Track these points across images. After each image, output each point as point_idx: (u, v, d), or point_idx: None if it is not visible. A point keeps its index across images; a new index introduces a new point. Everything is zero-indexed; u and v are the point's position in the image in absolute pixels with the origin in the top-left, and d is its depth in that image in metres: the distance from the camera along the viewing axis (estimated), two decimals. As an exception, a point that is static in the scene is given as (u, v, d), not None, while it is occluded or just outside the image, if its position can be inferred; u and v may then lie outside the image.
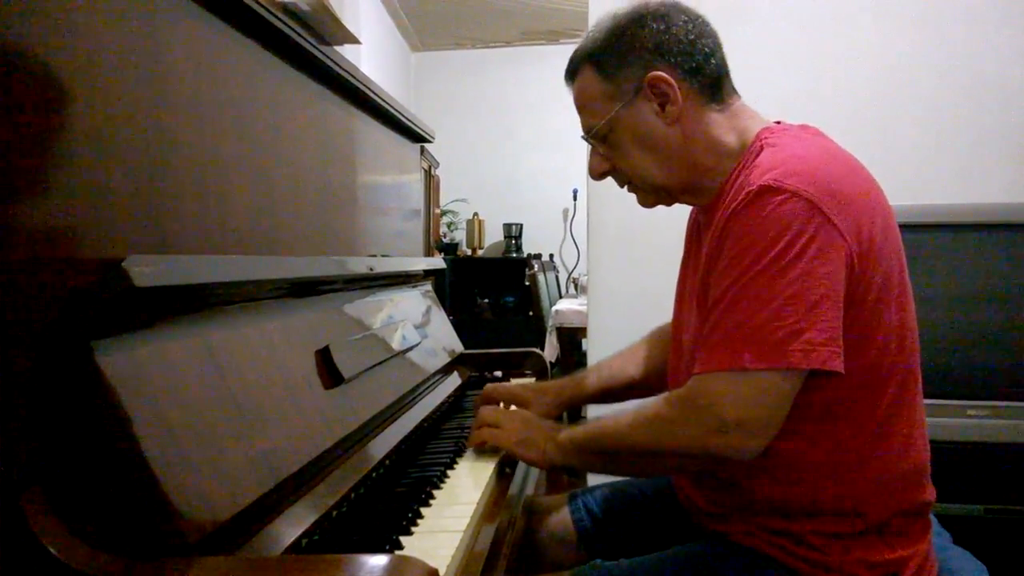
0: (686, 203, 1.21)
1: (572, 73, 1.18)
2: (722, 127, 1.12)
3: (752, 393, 0.95)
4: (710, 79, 1.11)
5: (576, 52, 1.17)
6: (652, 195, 1.18)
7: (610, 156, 1.16)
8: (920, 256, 1.74)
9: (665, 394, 1.06)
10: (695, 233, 1.24)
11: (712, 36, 1.13)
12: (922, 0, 2.23)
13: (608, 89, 1.12)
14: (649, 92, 1.10)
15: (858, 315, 0.99)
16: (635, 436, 1.06)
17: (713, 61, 1.12)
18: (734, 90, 1.15)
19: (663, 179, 1.14)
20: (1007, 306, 1.80)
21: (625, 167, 1.16)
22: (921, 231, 1.76)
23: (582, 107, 1.17)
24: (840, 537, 1.03)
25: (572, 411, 1.49)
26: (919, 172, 2.16)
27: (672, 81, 1.09)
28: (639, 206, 1.23)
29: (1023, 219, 1.79)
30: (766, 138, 1.08)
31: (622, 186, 1.21)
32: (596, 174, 1.20)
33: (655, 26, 1.10)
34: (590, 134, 1.16)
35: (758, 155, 1.05)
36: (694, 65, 1.10)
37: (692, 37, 1.10)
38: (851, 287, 0.98)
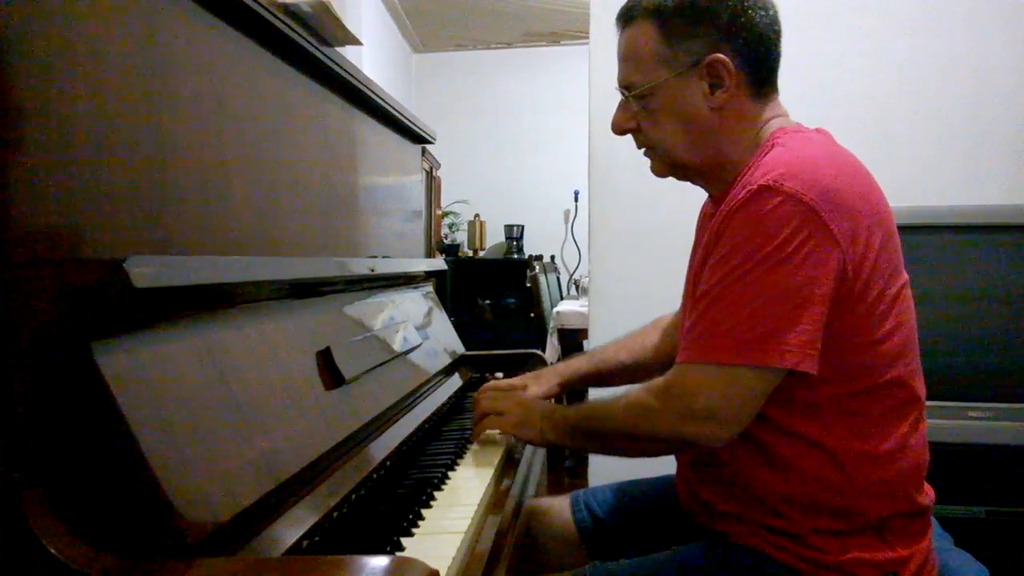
0: (698, 185, 1.20)
1: (629, 19, 1.13)
2: (753, 121, 1.11)
3: (725, 386, 0.98)
4: (764, 72, 1.11)
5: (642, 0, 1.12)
6: (668, 167, 1.17)
7: (639, 116, 1.14)
8: (921, 258, 1.74)
9: (649, 381, 1.08)
10: (702, 226, 1.24)
11: (778, 27, 1.11)
12: (923, 3, 2.23)
13: (665, 53, 1.09)
14: (704, 72, 1.08)
15: (852, 318, 1.00)
16: (618, 419, 1.09)
17: (772, 55, 1.11)
18: (776, 86, 1.14)
19: (687, 157, 1.13)
20: (1009, 308, 1.80)
21: (653, 134, 1.14)
22: (922, 233, 1.76)
23: (628, 58, 1.13)
24: (839, 536, 1.03)
25: (575, 395, 1.52)
26: (920, 174, 2.16)
27: (732, 69, 1.07)
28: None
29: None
30: (779, 138, 1.08)
31: (640, 148, 1.18)
32: (619, 130, 1.17)
33: (733, 5, 1.07)
34: (631, 92, 1.13)
35: (767, 154, 1.05)
36: (756, 56, 1.09)
37: (763, 27, 1.09)
38: (845, 291, 0.98)
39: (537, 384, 1.42)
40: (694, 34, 1.08)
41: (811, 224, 0.95)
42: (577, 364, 1.49)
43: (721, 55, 1.07)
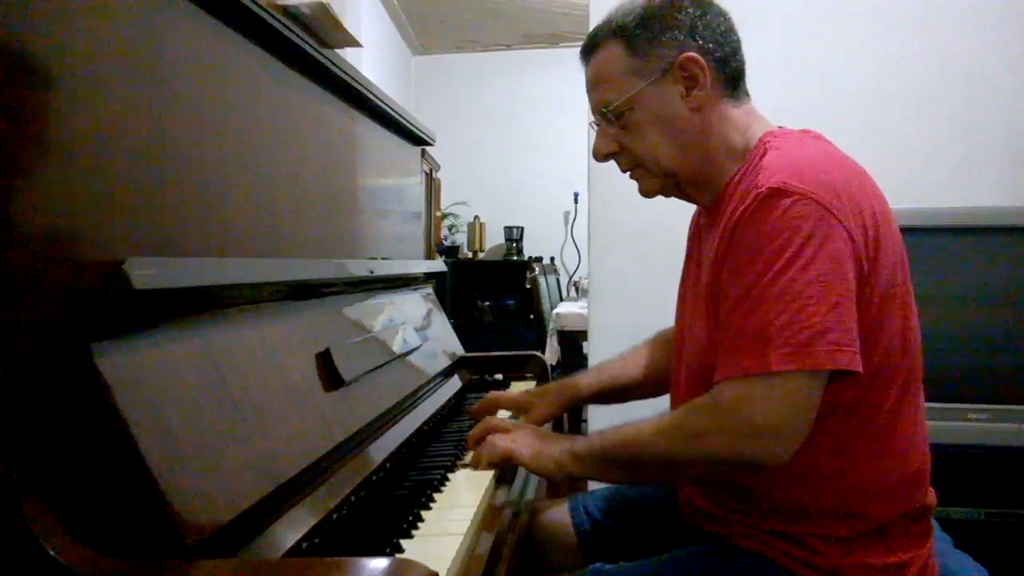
0: (688, 197, 1.19)
1: (593, 47, 1.15)
2: (735, 125, 1.12)
3: (782, 396, 0.94)
4: (733, 74, 1.12)
5: (601, 26, 1.15)
6: (658, 181, 1.16)
7: (621, 137, 1.14)
8: (919, 259, 1.73)
9: (689, 402, 1.03)
10: (697, 236, 1.24)
11: (737, 35, 1.14)
12: (919, 3, 2.23)
13: (635, 65, 1.10)
14: (679, 73, 1.09)
15: (863, 317, 0.99)
16: (661, 445, 1.02)
17: (738, 56, 1.13)
18: (747, 91, 1.16)
19: (675, 164, 1.13)
20: (1007, 309, 1.80)
21: (638, 149, 1.14)
22: (920, 234, 1.76)
23: (600, 82, 1.14)
24: (840, 540, 1.02)
25: (572, 412, 1.49)
26: (917, 175, 2.16)
27: (704, 65, 1.09)
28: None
29: (1022, 222, 1.79)
30: (769, 141, 1.08)
31: (625, 170, 1.19)
32: (601, 155, 1.18)
33: (691, 10, 1.10)
34: (608, 109, 1.13)
35: (762, 158, 1.05)
36: (722, 56, 1.10)
37: (723, 29, 1.11)
38: (858, 289, 0.98)
39: (543, 403, 1.38)
40: (660, 42, 1.10)
41: (826, 221, 0.95)
42: (585, 380, 1.44)
43: (691, 54, 1.08)
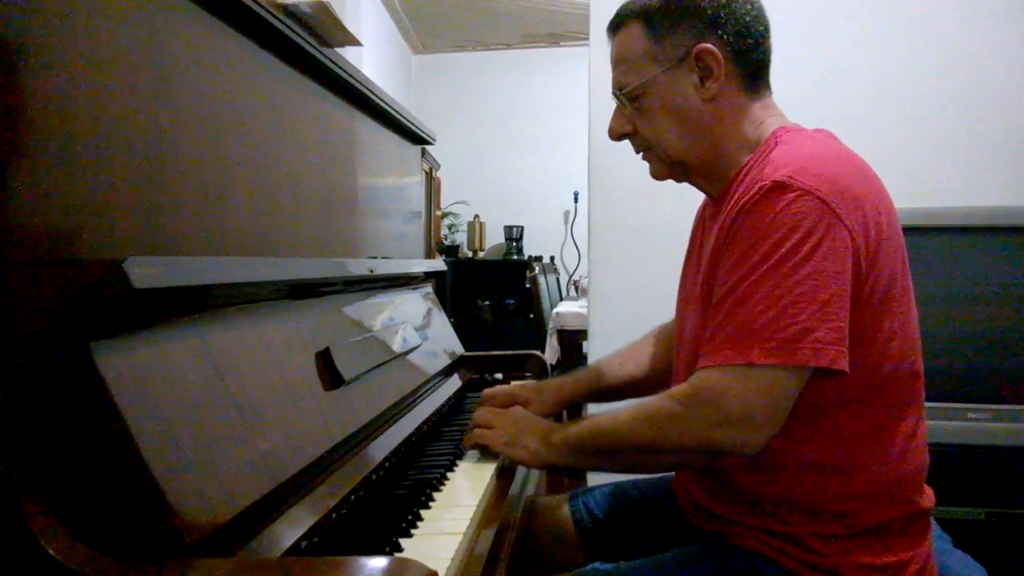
0: (696, 185, 1.19)
1: (617, 26, 1.15)
2: (749, 117, 1.11)
3: (758, 388, 0.95)
4: (753, 66, 1.11)
5: (627, 5, 1.14)
6: (667, 167, 1.16)
7: (635, 119, 1.15)
8: (921, 259, 1.73)
9: (668, 390, 1.05)
10: (700, 227, 1.24)
11: (765, 23, 1.12)
12: (921, 3, 2.23)
13: (653, 50, 1.10)
14: (693, 63, 1.09)
15: (862, 316, 0.99)
16: (636, 432, 1.04)
17: (761, 48, 1.11)
18: (768, 84, 1.15)
19: (683, 153, 1.13)
20: (1008, 309, 1.80)
21: (649, 133, 1.14)
22: (921, 234, 1.76)
23: (620, 62, 1.14)
24: (839, 539, 1.03)
25: (572, 409, 1.49)
26: (919, 175, 2.16)
27: (720, 57, 1.08)
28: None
29: (1023, 222, 1.79)
30: (781, 136, 1.08)
31: (638, 152, 1.19)
32: (615, 135, 1.18)
33: None
34: (623, 92, 1.14)
35: (771, 151, 1.05)
36: (744, 48, 1.09)
37: (749, 19, 1.10)
38: (857, 287, 0.98)
39: (540, 399, 1.39)
40: (680, 28, 1.09)
41: (827, 219, 0.95)
42: (584, 378, 1.45)
43: (707, 45, 1.07)
